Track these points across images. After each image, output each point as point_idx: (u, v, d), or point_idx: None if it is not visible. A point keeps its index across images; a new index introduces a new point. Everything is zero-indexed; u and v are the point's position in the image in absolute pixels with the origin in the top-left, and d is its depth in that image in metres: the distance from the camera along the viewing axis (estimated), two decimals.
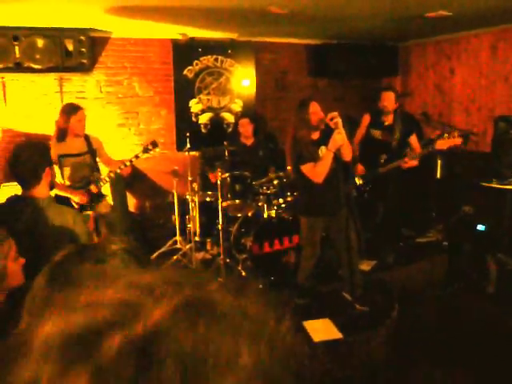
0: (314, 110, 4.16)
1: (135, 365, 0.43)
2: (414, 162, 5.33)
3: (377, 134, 5.57)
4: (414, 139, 5.46)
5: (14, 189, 4.86)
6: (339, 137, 4.00)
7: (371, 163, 5.40)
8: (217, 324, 0.48)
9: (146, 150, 4.83)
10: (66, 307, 0.50)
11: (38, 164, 2.76)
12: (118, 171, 4.63)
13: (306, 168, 4.13)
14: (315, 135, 4.25)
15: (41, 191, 2.78)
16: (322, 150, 4.16)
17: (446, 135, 4.97)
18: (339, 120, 4.03)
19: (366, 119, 5.60)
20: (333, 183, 4.19)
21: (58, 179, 4.41)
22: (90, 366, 0.43)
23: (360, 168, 5.46)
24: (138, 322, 0.46)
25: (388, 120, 5.53)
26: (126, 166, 4.63)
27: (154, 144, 4.88)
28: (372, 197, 5.51)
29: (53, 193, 4.44)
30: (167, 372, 0.43)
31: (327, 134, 4.12)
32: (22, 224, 2.62)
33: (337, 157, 4.15)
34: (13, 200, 2.81)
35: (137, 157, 4.74)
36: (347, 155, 4.25)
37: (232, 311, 0.51)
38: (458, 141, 4.96)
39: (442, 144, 4.96)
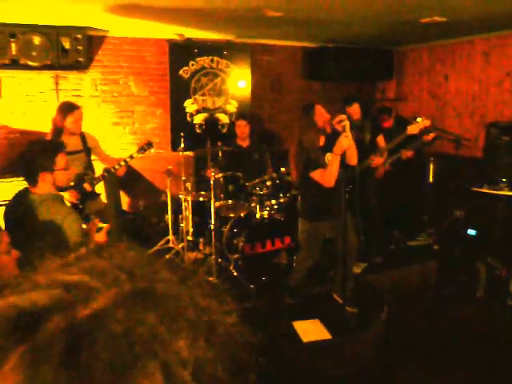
0: (320, 112, 4.20)
1: (66, 346, 0.44)
2: (409, 153, 5.59)
3: None
4: (380, 139, 5.65)
5: (10, 184, 4.89)
6: (346, 140, 4.01)
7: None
8: (155, 310, 0.50)
9: (141, 150, 4.84)
10: (15, 288, 0.52)
11: (35, 169, 2.85)
12: (113, 171, 4.64)
13: (317, 174, 4.13)
14: (320, 141, 4.26)
15: (41, 189, 2.88)
16: (328, 156, 4.16)
17: (416, 120, 5.14)
18: (347, 123, 4.04)
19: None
20: (337, 187, 4.18)
21: None
22: (23, 346, 0.45)
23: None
24: (84, 304, 0.48)
25: (358, 122, 5.68)
26: (120, 165, 4.64)
27: (150, 144, 4.90)
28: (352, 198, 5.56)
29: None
30: (97, 353, 0.45)
31: (332, 140, 4.12)
32: (17, 215, 2.73)
33: (342, 161, 4.14)
34: (19, 193, 2.97)
35: (131, 157, 4.75)
36: (353, 159, 4.27)
37: (175, 299, 0.54)
38: (427, 122, 5.15)
39: (413, 128, 5.13)
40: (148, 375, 0.45)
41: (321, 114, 4.18)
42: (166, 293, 0.54)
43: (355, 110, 5.65)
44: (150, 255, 0.63)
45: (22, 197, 2.91)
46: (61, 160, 2.98)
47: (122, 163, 4.65)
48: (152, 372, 0.46)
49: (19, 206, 2.82)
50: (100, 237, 2.99)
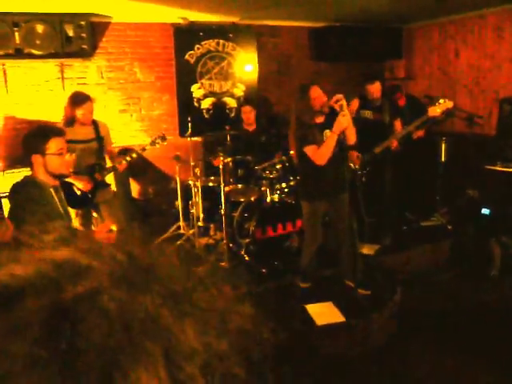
0: (316, 94, 4.11)
1: (47, 325, 0.41)
2: (420, 133, 5.52)
3: (368, 114, 5.56)
4: (397, 123, 5.52)
5: (17, 175, 4.88)
6: (344, 119, 3.96)
7: (367, 146, 5.32)
8: (157, 291, 0.47)
9: (153, 143, 4.84)
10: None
11: (27, 150, 2.93)
12: (124, 162, 4.59)
13: (309, 150, 4.10)
14: (320, 119, 4.21)
15: (39, 174, 2.93)
16: (327, 133, 4.11)
17: (437, 102, 5.00)
18: (344, 102, 3.99)
19: (355, 104, 5.51)
20: (334, 167, 4.15)
21: None
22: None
23: (354, 153, 5.39)
24: (74, 282, 0.45)
25: (377, 102, 5.56)
26: (121, 164, 4.59)
27: (163, 138, 4.88)
28: (370, 181, 5.48)
29: None
30: (85, 334, 0.41)
31: (332, 117, 4.07)
32: (20, 198, 2.80)
33: (340, 140, 4.12)
34: (25, 178, 3.02)
35: (143, 149, 4.73)
36: (352, 139, 4.22)
37: (180, 281, 0.50)
38: (450, 104, 5.03)
39: (434, 110, 5.01)
40: (147, 362, 0.41)
41: (317, 95, 4.10)
42: (170, 273, 0.50)
43: (377, 88, 5.47)
44: (157, 241, 0.60)
45: (25, 181, 2.96)
46: (54, 144, 2.95)
47: (124, 162, 4.59)
48: (152, 358, 0.41)
49: (21, 189, 2.87)
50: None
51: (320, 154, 4.06)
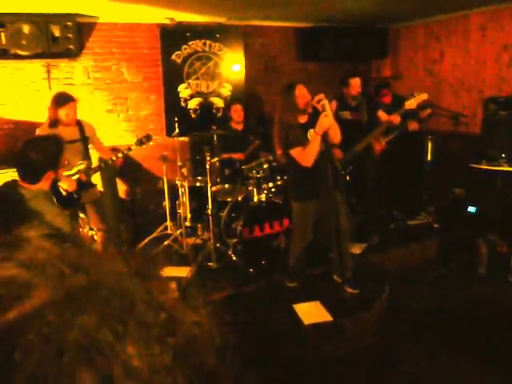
0: (301, 93, 4.12)
1: None
2: (414, 125, 5.70)
3: (346, 114, 5.63)
4: (381, 113, 5.61)
5: (5, 175, 4.84)
6: (326, 119, 3.97)
7: (347, 146, 5.33)
8: (99, 310, 0.44)
9: (139, 143, 4.82)
10: None
11: (41, 168, 2.82)
12: (110, 162, 4.60)
13: (295, 152, 4.11)
14: (303, 119, 4.22)
15: (37, 186, 2.86)
16: (311, 132, 4.12)
17: (413, 95, 5.20)
18: (326, 102, 4.00)
19: (333, 105, 5.54)
20: (321, 166, 4.16)
21: None
22: None
23: (337, 152, 5.41)
24: (15, 303, 0.42)
25: (354, 101, 5.63)
26: (117, 157, 4.62)
27: (149, 137, 4.87)
28: (355, 180, 5.53)
29: None
30: (16, 363, 0.38)
31: (316, 117, 4.08)
32: (5, 208, 2.65)
33: (325, 139, 4.12)
34: (7, 185, 2.92)
35: (129, 149, 4.72)
36: (336, 138, 4.24)
37: (125, 295, 0.47)
38: (425, 96, 5.21)
39: (411, 103, 5.19)
40: None
41: (301, 94, 4.11)
42: (114, 288, 0.47)
43: (357, 82, 5.55)
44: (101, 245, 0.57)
45: (10, 189, 2.86)
46: (64, 158, 2.96)
47: (120, 155, 4.62)
48: None
49: (7, 200, 2.77)
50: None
51: (305, 155, 4.07)
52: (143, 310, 0.46)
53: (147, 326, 0.45)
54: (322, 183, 4.23)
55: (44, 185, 2.87)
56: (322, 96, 4.01)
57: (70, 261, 0.49)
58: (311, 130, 4.11)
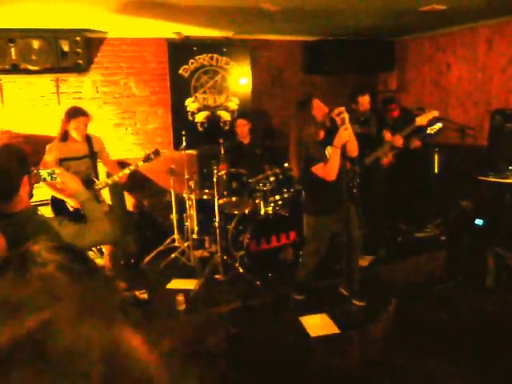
0: (318, 105, 4.12)
1: None
2: (417, 143, 5.70)
3: (356, 128, 5.62)
4: (386, 133, 5.59)
5: None
6: (346, 133, 3.94)
7: (355, 159, 5.36)
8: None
9: (147, 159, 4.67)
10: None
11: (15, 174, 2.32)
12: (116, 179, 4.56)
13: (318, 169, 4.06)
14: (320, 135, 4.20)
15: (19, 203, 2.34)
16: (328, 150, 4.09)
17: (424, 112, 5.20)
18: (346, 115, 3.97)
19: None
20: (339, 180, 4.13)
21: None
22: None
23: (348, 165, 5.43)
24: None
25: (363, 116, 5.66)
26: (124, 174, 4.55)
27: (157, 153, 4.72)
28: (363, 193, 5.52)
29: (49, 195, 4.47)
30: None
31: (331, 133, 4.06)
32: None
33: (342, 153, 4.07)
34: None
35: (137, 166, 4.64)
36: (353, 151, 4.22)
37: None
38: (436, 112, 5.22)
39: (422, 120, 5.17)
40: None
41: (319, 108, 4.11)
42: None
43: (367, 100, 5.60)
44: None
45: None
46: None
47: (126, 171, 4.54)
48: None
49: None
50: None
51: (328, 170, 4.02)
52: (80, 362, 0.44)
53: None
54: (338, 197, 4.21)
55: (24, 196, 2.37)
56: (342, 109, 3.99)
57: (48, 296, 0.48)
58: (328, 148, 4.08)
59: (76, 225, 2.57)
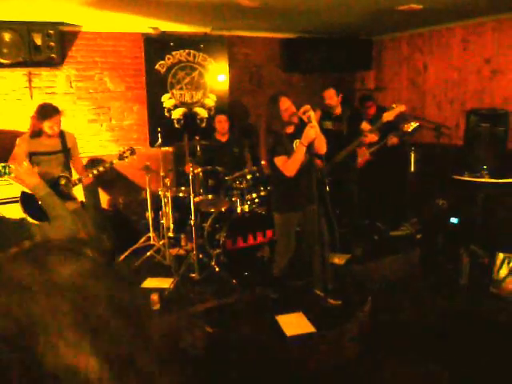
0: (285, 105, 4.12)
1: None
2: (394, 139, 5.77)
3: (328, 124, 5.66)
4: (365, 125, 5.60)
5: None
6: (312, 131, 3.96)
7: (328, 156, 5.36)
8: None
9: (121, 158, 4.66)
10: None
11: None
12: (90, 176, 4.48)
13: (279, 161, 4.11)
14: (290, 129, 4.23)
15: None
16: (297, 143, 4.12)
17: (391, 107, 5.20)
18: (312, 113, 4.00)
19: (317, 114, 5.58)
20: (305, 177, 4.16)
21: None
22: None
23: (318, 162, 5.44)
24: None
25: (337, 111, 5.64)
26: (87, 177, 4.48)
27: (132, 151, 4.70)
28: (337, 191, 5.53)
29: (19, 190, 4.36)
30: None
31: (302, 127, 4.08)
32: None
33: (310, 151, 4.11)
34: None
35: (111, 163, 4.58)
36: (321, 148, 4.23)
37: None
38: (402, 107, 5.18)
39: (388, 115, 5.16)
40: None
41: (285, 108, 4.12)
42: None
43: (330, 94, 5.58)
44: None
45: None
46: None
47: (90, 175, 4.47)
48: None
49: None
50: None
51: (288, 165, 4.07)
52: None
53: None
54: (304, 194, 4.22)
55: None
56: (307, 107, 4.01)
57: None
58: (297, 141, 4.11)
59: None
